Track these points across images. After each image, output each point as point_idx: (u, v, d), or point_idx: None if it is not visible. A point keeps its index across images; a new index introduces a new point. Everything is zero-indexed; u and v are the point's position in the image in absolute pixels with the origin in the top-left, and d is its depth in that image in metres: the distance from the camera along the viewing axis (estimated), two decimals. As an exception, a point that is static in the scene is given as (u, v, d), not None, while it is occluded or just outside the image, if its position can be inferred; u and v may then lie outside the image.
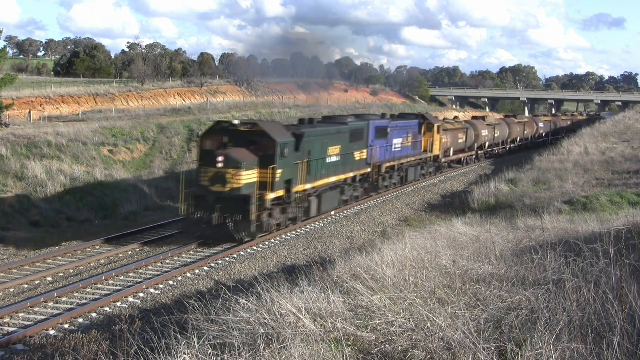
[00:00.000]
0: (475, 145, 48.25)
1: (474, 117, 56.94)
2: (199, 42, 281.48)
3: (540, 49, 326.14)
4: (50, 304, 15.00)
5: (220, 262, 19.03)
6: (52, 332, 13.27)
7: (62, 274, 17.57)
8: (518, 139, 58.13)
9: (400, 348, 7.21)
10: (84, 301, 15.33)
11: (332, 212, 26.79)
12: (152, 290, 16.25)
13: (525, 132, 59.37)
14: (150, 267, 18.35)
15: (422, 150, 36.83)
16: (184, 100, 67.18)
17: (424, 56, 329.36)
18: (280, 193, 21.32)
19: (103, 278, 16.94)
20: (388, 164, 31.37)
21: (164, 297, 15.91)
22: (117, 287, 16.46)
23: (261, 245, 21.08)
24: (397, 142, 32.44)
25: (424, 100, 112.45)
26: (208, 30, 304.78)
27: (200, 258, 19.43)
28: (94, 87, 63.97)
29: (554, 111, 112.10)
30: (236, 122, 21.12)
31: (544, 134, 64.10)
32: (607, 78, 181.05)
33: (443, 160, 41.53)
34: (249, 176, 20.08)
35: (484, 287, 9.12)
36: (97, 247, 20.53)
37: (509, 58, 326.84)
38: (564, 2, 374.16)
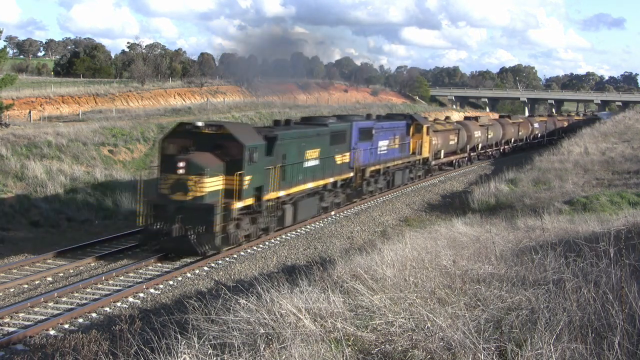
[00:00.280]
0: (468, 146, 46.78)
1: (466, 118, 55.48)
2: (199, 42, 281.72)
3: (540, 49, 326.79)
4: (50, 304, 14.98)
5: (220, 262, 19.01)
6: (52, 332, 13.26)
7: (62, 274, 17.56)
8: (512, 140, 57.05)
9: (400, 348, 7.21)
10: (84, 301, 15.32)
11: (332, 212, 26.74)
12: (152, 290, 16.25)
13: (520, 133, 58.32)
14: (150, 267, 18.35)
15: (410, 153, 35.45)
16: (184, 100, 67.24)
17: (424, 56, 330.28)
18: (249, 201, 19.75)
19: (103, 278, 16.93)
20: (373, 168, 29.98)
21: (163, 297, 15.91)
22: (117, 287, 16.46)
23: (261, 245, 21.07)
24: (382, 144, 31.14)
25: (424, 100, 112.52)
26: (208, 30, 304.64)
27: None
28: (94, 87, 64.03)
29: (554, 111, 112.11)
30: (200, 123, 19.54)
31: (539, 135, 63.19)
32: (607, 78, 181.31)
33: (433, 162, 40.05)
34: (213, 183, 18.51)
35: (484, 287, 9.13)
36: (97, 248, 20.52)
37: (509, 58, 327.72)
38: (564, 2, 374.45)
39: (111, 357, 7.81)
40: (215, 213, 18.19)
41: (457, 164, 45.59)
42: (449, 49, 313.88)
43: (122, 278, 17.24)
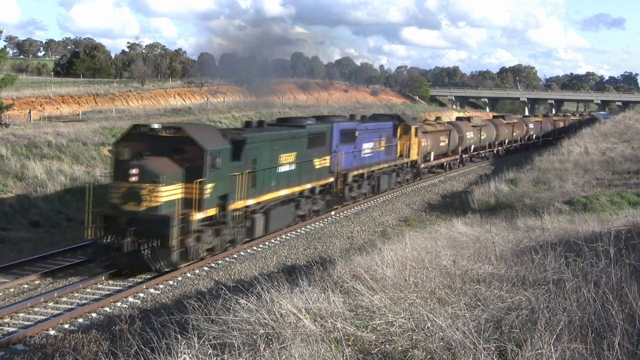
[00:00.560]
0: (459, 148, 44.66)
1: (458, 118, 53.13)
2: (199, 42, 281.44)
3: (540, 49, 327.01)
4: (50, 304, 14.99)
5: (220, 262, 19.01)
6: (52, 332, 13.27)
7: (62, 274, 17.55)
8: (506, 141, 55.13)
9: (400, 348, 7.21)
10: (84, 301, 15.33)
11: (332, 212, 26.63)
12: (152, 290, 16.25)
13: (514, 134, 56.31)
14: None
15: (398, 155, 33.48)
16: (184, 100, 67.26)
17: (424, 56, 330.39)
18: (212, 212, 17.91)
19: (103, 278, 16.93)
20: (356, 172, 28.01)
21: (164, 297, 15.91)
22: (117, 287, 16.46)
23: (261, 245, 21.07)
24: (367, 146, 29.25)
25: (424, 100, 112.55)
26: (208, 30, 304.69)
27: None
28: (94, 87, 64.04)
29: (554, 111, 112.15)
30: (156, 125, 17.79)
31: (534, 136, 61.32)
32: (607, 78, 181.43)
33: (422, 165, 37.75)
34: (169, 192, 16.67)
35: (484, 287, 9.13)
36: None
37: (509, 58, 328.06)
38: (564, 2, 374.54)
39: (111, 357, 7.81)
40: (172, 225, 16.34)
41: (448, 166, 43.51)
42: (449, 49, 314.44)
43: (122, 278, 17.23)
